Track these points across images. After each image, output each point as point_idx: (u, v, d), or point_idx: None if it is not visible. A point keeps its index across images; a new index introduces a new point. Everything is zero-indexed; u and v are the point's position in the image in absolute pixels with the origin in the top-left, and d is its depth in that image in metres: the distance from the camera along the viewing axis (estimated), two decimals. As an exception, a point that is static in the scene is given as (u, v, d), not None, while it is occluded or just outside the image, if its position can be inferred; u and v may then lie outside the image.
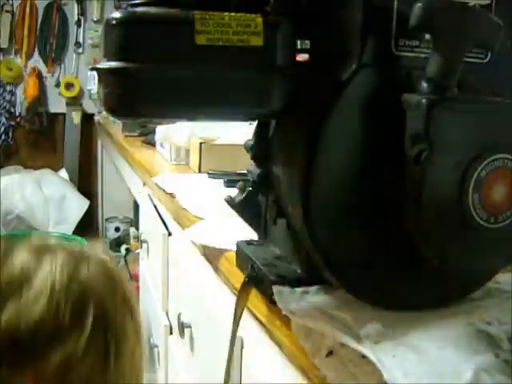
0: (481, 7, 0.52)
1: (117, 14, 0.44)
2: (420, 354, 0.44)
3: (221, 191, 1.09)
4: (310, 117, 0.47)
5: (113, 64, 0.43)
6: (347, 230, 0.48)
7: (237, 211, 0.66)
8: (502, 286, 0.60)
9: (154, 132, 1.89)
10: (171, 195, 1.14)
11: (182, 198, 1.08)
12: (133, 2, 0.46)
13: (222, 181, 1.21)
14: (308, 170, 0.46)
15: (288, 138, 0.51)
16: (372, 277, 0.50)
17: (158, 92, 0.44)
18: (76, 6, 3.74)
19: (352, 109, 0.47)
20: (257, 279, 0.59)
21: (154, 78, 0.43)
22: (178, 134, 1.50)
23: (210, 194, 1.11)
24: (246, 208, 0.64)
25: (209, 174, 1.30)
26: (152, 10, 0.43)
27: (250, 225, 0.66)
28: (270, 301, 0.57)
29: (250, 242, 0.66)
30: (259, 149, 0.60)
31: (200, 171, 1.35)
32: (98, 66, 0.45)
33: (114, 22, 0.44)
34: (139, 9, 0.44)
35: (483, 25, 0.44)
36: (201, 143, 1.37)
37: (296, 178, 0.47)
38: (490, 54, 0.53)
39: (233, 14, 0.45)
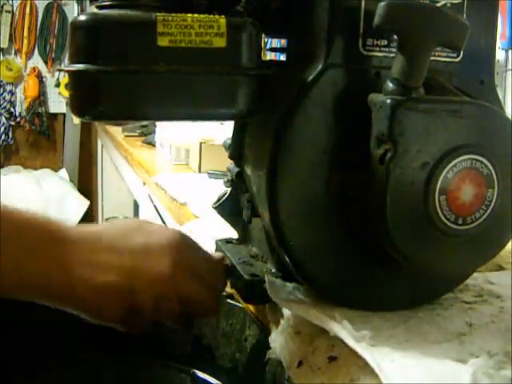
0: (453, 6, 0.51)
1: (81, 17, 0.44)
2: (418, 358, 0.43)
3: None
4: (275, 117, 0.47)
5: (76, 66, 0.43)
6: (314, 231, 0.48)
7: (217, 210, 0.66)
8: (494, 288, 0.59)
9: (154, 132, 1.89)
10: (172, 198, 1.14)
11: (182, 196, 1.08)
12: (98, 4, 0.46)
13: (221, 181, 1.21)
14: (273, 171, 0.46)
15: (255, 137, 0.51)
16: (341, 277, 0.50)
17: (121, 94, 0.44)
18: (76, 6, 3.75)
19: (318, 109, 0.46)
20: (233, 278, 0.59)
21: (116, 80, 0.43)
22: (178, 134, 1.50)
23: (210, 193, 1.12)
24: (225, 206, 0.64)
25: (209, 173, 1.31)
26: (115, 12, 0.43)
27: (230, 223, 0.66)
28: (244, 299, 0.57)
29: (228, 241, 0.66)
30: (235, 148, 0.60)
31: (200, 171, 1.36)
32: (63, 67, 0.45)
33: (77, 24, 0.44)
34: (102, 11, 0.44)
35: (448, 25, 0.44)
36: (201, 143, 1.38)
37: (262, 178, 0.47)
38: (462, 53, 0.52)
39: (196, 15, 0.44)
